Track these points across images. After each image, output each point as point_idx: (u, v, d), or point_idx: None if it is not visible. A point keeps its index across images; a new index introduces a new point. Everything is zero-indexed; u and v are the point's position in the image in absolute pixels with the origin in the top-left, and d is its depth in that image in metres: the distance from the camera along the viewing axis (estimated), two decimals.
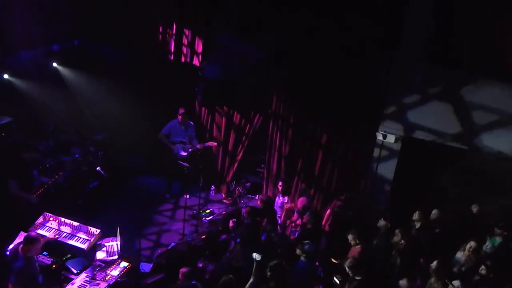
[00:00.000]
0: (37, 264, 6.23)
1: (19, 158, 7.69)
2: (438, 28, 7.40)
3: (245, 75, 8.87)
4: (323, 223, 8.24)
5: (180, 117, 9.56)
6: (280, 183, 8.73)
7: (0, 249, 6.83)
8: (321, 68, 8.23)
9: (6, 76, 9.11)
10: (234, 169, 10.24)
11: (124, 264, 6.91)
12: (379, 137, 8.02)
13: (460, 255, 6.89)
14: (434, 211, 7.54)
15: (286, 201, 8.54)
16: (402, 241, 7.02)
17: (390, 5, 7.58)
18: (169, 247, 8.03)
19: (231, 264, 6.84)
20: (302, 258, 6.63)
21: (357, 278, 6.29)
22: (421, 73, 7.54)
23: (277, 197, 8.74)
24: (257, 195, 9.30)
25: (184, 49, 9.87)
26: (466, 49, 7.25)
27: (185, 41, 9.78)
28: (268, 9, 8.44)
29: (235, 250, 7.08)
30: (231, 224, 7.90)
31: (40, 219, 7.43)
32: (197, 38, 9.62)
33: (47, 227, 7.35)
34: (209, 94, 9.76)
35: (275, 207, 8.64)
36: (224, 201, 10.08)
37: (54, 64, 10.06)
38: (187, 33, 9.71)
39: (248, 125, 9.86)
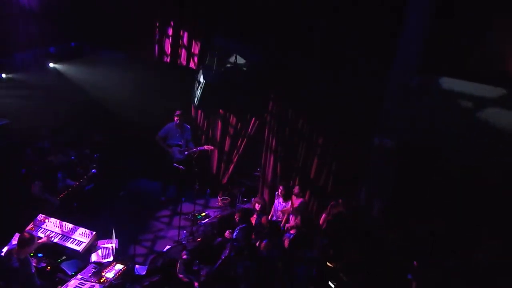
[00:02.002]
0: (33, 265, 6.24)
1: (45, 160, 7.70)
2: (436, 33, 7.44)
3: (241, 78, 8.89)
4: (318, 227, 8.27)
5: (176, 119, 9.59)
6: (280, 188, 8.77)
7: None
8: (318, 71, 8.27)
9: (4, 75, 9.13)
10: (230, 172, 10.26)
11: (119, 266, 6.92)
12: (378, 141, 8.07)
13: None
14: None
15: (287, 206, 8.58)
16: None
17: (389, 9, 7.61)
18: (164, 250, 8.02)
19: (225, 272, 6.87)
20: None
21: (351, 282, 6.35)
22: (419, 76, 7.57)
23: (276, 200, 8.78)
24: (252, 199, 9.34)
25: (181, 52, 9.88)
26: (464, 55, 7.30)
27: (181, 43, 9.79)
28: (267, 14, 8.47)
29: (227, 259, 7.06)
30: (227, 234, 7.91)
31: (35, 221, 7.43)
32: (193, 41, 9.64)
33: (42, 229, 7.35)
34: (205, 97, 9.77)
35: (274, 211, 8.70)
36: (219, 204, 10.08)
37: (51, 64, 10.08)
38: (184, 35, 9.72)
39: (244, 129, 9.88)
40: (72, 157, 9.21)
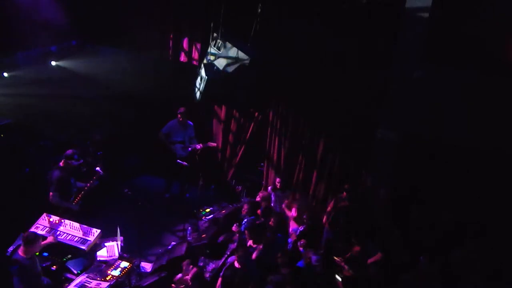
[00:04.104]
0: (39, 264, 6.22)
1: (58, 169, 7.69)
2: (438, 24, 7.37)
3: (243, 74, 8.85)
4: (323, 221, 8.25)
5: (179, 116, 9.55)
6: (278, 180, 8.73)
7: (0, 250, 6.82)
8: (319, 63, 8.21)
9: (6, 74, 9.14)
10: (234, 168, 10.23)
11: (124, 264, 6.91)
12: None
13: None
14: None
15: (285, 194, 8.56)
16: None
17: (389, 3, 7.56)
18: (169, 247, 8.01)
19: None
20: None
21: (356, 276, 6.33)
22: (421, 68, 7.52)
23: (272, 194, 8.75)
24: (258, 193, 9.30)
25: (182, 49, 9.86)
26: (466, 45, 7.22)
27: (183, 40, 9.76)
28: (266, 13, 8.40)
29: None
30: (234, 228, 7.89)
31: (40, 220, 7.41)
32: (195, 37, 9.61)
33: (47, 228, 7.33)
34: (208, 93, 9.73)
35: (272, 204, 8.67)
36: (224, 200, 10.04)
37: (53, 63, 10.09)
38: (185, 32, 9.70)
39: (248, 124, 9.84)
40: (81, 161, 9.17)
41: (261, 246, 7.12)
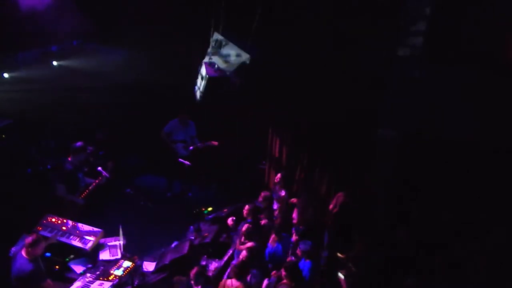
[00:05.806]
0: (42, 265, 6.25)
1: (65, 161, 7.71)
2: (438, 25, 7.37)
3: (242, 74, 8.87)
4: (325, 220, 8.27)
5: (180, 116, 9.56)
6: (278, 175, 8.75)
7: (2, 250, 6.85)
8: (320, 63, 8.21)
9: (6, 75, 9.14)
10: (235, 166, 10.24)
11: (127, 263, 6.93)
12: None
13: None
14: None
15: (283, 194, 8.56)
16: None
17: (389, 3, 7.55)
18: (172, 246, 8.03)
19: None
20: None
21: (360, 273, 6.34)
22: (421, 68, 7.52)
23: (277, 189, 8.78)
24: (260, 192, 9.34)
25: (182, 47, 9.86)
26: (468, 45, 7.22)
27: (183, 39, 9.77)
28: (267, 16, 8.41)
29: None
30: (230, 222, 7.92)
31: (43, 221, 7.44)
32: (195, 36, 9.61)
33: (50, 228, 7.36)
34: (208, 91, 9.74)
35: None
36: (225, 199, 10.06)
37: (54, 63, 10.10)
38: (184, 31, 9.70)
39: (248, 122, 9.86)
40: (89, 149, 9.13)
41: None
